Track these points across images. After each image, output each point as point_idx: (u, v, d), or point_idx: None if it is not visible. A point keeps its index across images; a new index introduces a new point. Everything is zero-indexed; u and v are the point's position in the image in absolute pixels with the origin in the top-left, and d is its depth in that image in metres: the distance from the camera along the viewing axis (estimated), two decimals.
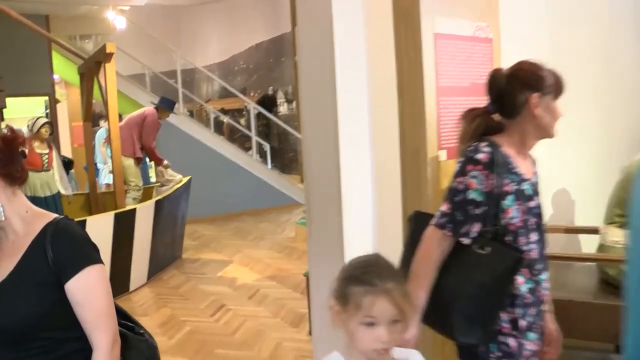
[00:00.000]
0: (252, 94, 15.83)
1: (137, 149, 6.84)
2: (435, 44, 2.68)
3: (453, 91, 2.77)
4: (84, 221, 5.36)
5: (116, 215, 5.62)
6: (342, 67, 2.75)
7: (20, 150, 1.63)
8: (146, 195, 7.09)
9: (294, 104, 14.24)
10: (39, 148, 6.40)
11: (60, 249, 1.58)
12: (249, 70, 16.18)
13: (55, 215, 1.68)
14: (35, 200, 6.31)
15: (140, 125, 6.88)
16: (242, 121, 15.38)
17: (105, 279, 1.66)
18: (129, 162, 6.79)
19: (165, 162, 7.05)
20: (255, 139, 10.62)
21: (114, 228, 5.58)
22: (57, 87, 11.16)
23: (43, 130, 6.37)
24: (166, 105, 7.13)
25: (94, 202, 7.15)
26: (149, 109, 7.10)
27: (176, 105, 9.82)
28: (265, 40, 15.38)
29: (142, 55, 11.36)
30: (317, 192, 2.97)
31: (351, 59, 2.75)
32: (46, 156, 6.42)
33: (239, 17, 15.92)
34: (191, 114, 15.27)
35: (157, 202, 6.26)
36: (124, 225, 5.74)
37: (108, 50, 5.66)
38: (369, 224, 2.86)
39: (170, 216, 6.68)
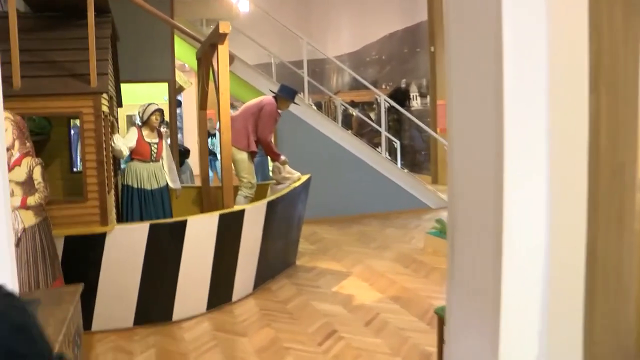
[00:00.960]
0: (383, 87, 14.98)
1: (251, 142, 6.17)
2: None
3: None
4: (184, 222, 4.74)
5: (221, 216, 4.96)
6: (512, 53, 1.76)
7: None
8: (260, 193, 6.42)
9: (428, 98, 13.17)
10: (149, 137, 5.91)
11: None
12: (381, 62, 15.31)
13: None
14: (142, 192, 5.87)
15: (257, 115, 6.21)
16: (372, 115, 14.56)
17: None
18: (242, 156, 6.15)
19: (283, 157, 6.34)
20: (385, 134, 9.70)
21: (218, 230, 4.93)
22: (181, 74, 10.93)
23: (153, 117, 5.88)
24: (286, 94, 6.41)
25: (206, 197, 6.60)
26: (266, 97, 6.41)
27: (300, 95, 9.19)
28: (399, 30, 14.44)
29: (269, 43, 10.84)
30: (465, 215, 2.00)
31: (525, 42, 1.75)
32: (155, 146, 5.92)
33: (373, 5, 15.08)
34: (319, 106, 14.73)
35: (270, 203, 5.55)
36: (230, 228, 5.08)
37: (221, 30, 4.99)
38: (537, 273, 1.84)
39: (284, 219, 5.96)
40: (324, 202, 8.85)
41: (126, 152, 5.72)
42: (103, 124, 5.08)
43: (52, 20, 4.95)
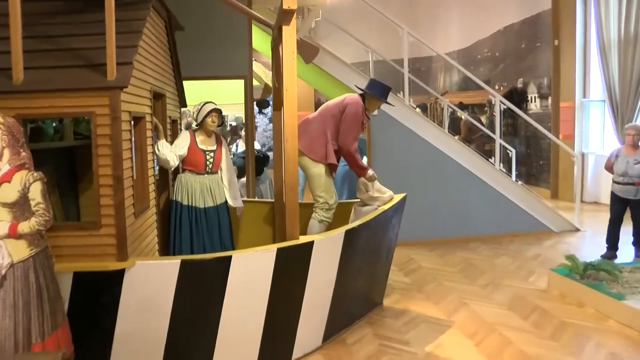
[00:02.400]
0: (496, 87, 13.29)
1: (330, 152, 4.93)
2: None
3: None
4: (229, 258, 3.59)
5: (280, 251, 3.76)
6: None
7: None
8: (342, 215, 5.18)
9: (549, 100, 11.38)
10: (204, 143, 4.83)
11: None
12: (495, 59, 13.59)
13: None
14: (193, 211, 4.79)
15: (338, 118, 4.97)
16: (483, 119, 12.93)
17: None
18: (319, 169, 4.93)
19: (370, 172, 5.03)
20: (499, 142, 8.14)
21: (275, 268, 3.75)
22: (262, 69, 9.91)
23: (209, 120, 4.79)
24: (376, 92, 5.11)
25: (279, 216, 5.47)
26: (351, 96, 5.12)
27: (398, 95, 7.85)
28: (516, 23, 12.69)
29: (368, 40, 9.59)
30: None
31: None
32: (212, 154, 4.84)
33: None
34: (424, 108, 13.26)
35: (350, 232, 4.27)
36: (292, 265, 3.89)
37: (285, 6, 3.81)
38: None
39: (369, 251, 4.67)
40: (423, 221, 7.48)
41: (174, 162, 4.67)
42: (140, 127, 4.06)
43: (70, 1, 3.98)
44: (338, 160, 5.03)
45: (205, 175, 4.84)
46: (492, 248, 7.29)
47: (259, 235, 5.58)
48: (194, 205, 4.79)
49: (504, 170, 8.13)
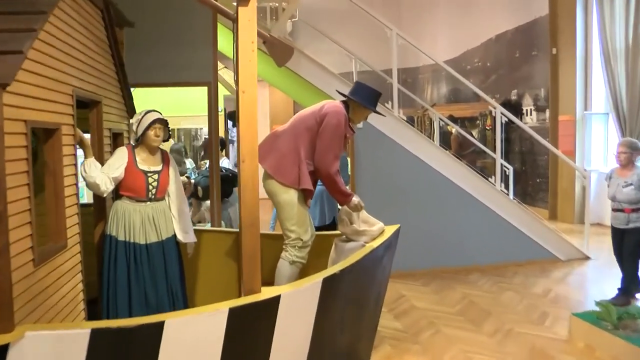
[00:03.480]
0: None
1: (304, 174, 3.89)
2: None
3: None
4: (160, 325, 2.58)
5: (232, 312, 2.76)
6: None
7: None
8: (319, 249, 4.20)
9: (547, 112, 10.53)
10: (145, 162, 3.84)
11: None
12: (486, 70, 12.75)
13: None
14: (131, 248, 3.77)
15: (314, 130, 3.94)
16: (474, 133, 12.04)
17: None
18: (289, 196, 3.90)
19: (356, 199, 4.01)
20: (499, 160, 7.21)
21: (227, 333, 2.74)
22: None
23: (152, 133, 3.80)
24: (362, 98, 4.09)
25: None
26: (331, 103, 4.09)
27: (387, 106, 6.91)
28: (509, 30, 11.87)
29: (351, 47, 8.70)
30: None
31: None
32: (155, 177, 3.84)
33: (475, 3, 12.62)
34: (410, 122, 12.34)
35: (328, 281, 3.27)
36: (250, 327, 2.88)
37: None
38: None
39: (353, 301, 3.66)
40: (416, 250, 6.52)
41: (106, 186, 3.67)
42: (52, 142, 3.08)
43: None
44: (315, 184, 4.03)
45: (148, 203, 3.83)
46: (494, 281, 6.33)
47: (223, 273, 4.59)
48: (132, 240, 3.77)
49: (505, 190, 7.21)
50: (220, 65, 7.41)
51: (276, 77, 7.35)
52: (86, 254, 3.61)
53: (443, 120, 8.91)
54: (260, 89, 14.93)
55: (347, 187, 4.10)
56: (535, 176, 11.11)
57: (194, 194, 6.71)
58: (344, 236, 4.03)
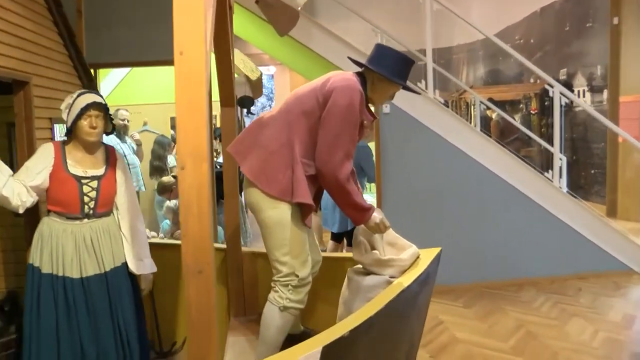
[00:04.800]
0: (531, 81, 11.10)
1: (299, 182, 2.61)
2: None
3: None
4: None
5: None
6: None
7: None
8: (332, 276, 3.05)
9: (604, 93, 9.17)
10: (80, 164, 2.73)
11: None
12: (529, 47, 11.35)
13: None
14: (60, 284, 2.67)
15: (315, 115, 2.64)
16: (517, 118, 10.74)
17: None
18: (278, 213, 2.61)
19: (378, 217, 2.68)
20: (557, 152, 5.95)
21: None
22: (245, 58, 7.76)
23: (84, 123, 2.69)
24: (387, 68, 2.72)
25: (234, 275, 3.45)
26: (339, 75, 2.75)
27: (419, 85, 5.70)
28: (556, 1, 10.51)
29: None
30: None
31: None
32: (95, 184, 2.74)
33: None
34: (445, 106, 11.08)
35: (329, 352, 2.08)
36: None
37: None
38: None
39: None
40: (454, 261, 5.34)
41: (20, 199, 2.58)
42: None
43: None
44: (318, 195, 2.87)
45: (84, 220, 2.72)
46: (554, 301, 5.11)
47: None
48: (61, 274, 2.68)
49: (564, 188, 5.94)
50: None
51: (283, 53, 6.11)
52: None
53: (484, 104, 7.66)
54: (280, 73, 13.73)
55: (366, 198, 2.87)
56: (590, 167, 9.75)
57: None
58: (361, 267, 2.83)
